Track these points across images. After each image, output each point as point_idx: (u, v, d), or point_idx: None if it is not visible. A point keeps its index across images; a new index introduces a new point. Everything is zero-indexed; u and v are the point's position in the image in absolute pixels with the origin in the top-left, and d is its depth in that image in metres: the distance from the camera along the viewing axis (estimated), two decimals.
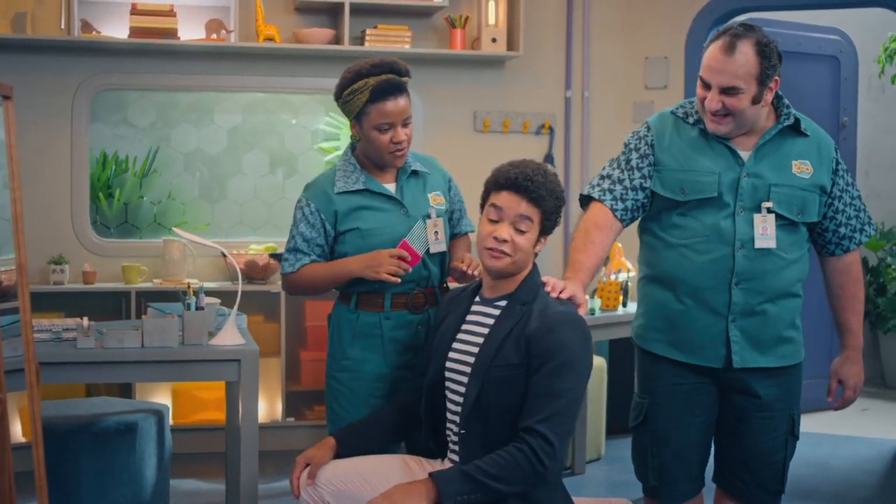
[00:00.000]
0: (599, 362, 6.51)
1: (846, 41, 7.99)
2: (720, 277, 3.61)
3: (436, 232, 3.95)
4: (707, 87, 3.59)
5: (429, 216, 3.95)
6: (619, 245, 6.09)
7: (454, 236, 4.12)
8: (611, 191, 3.77)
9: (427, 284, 3.96)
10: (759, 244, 3.59)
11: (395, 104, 3.83)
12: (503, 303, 3.47)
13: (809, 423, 7.42)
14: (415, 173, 4.03)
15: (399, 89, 3.86)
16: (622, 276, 5.97)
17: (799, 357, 3.73)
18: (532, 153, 7.26)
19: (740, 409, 3.71)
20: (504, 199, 3.43)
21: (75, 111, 6.60)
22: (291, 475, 3.58)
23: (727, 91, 3.54)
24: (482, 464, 3.23)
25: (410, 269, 3.83)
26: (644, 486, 3.86)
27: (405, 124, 3.87)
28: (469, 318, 3.56)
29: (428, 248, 3.91)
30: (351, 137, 3.98)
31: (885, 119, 9.20)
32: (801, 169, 3.64)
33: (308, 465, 3.57)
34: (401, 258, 3.81)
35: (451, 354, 3.53)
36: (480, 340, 3.46)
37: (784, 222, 3.63)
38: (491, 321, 3.47)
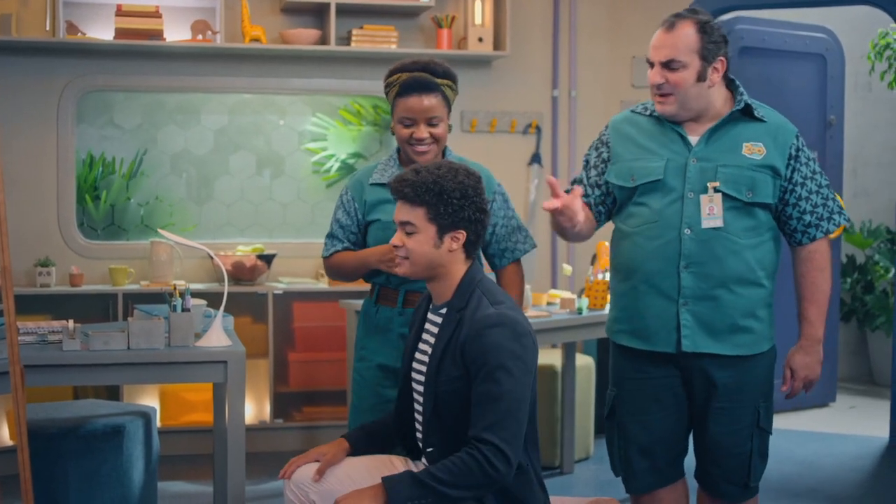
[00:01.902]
0: (587, 361, 6.52)
1: (833, 39, 8.00)
2: (669, 261, 3.65)
3: None
4: (653, 67, 3.69)
5: None
6: (606, 244, 6.08)
7: (496, 265, 4.17)
8: None
9: None
10: (705, 224, 3.62)
11: (418, 101, 3.92)
12: (444, 311, 3.44)
13: (796, 422, 7.45)
14: None
15: (427, 87, 3.93)
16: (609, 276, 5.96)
17: (759, 348, 3.71)
18: (519, 153, 7.26)
19: (700, 399, 3.74)
20: (396, 208, 3.45)
21: (61, 113, 6.58)
22: (296, 458, 3.59)
23: (668, 65, 3.63)
24: (434, 469, 3.20)
25: None
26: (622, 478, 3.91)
27: (431, 123, 3.94)
28: (426, 326, 3.54)
29: None
30: (391, 130, 4.07)
31: (872, 117, 9.22)
32: (753, 150, 3.67)
33: (317, 460, 3.58)
34: None
35: (415, 364, 3.53)
36: (430, 351, 3.45)
37: (736, 204, 3.64)
38: (436, 330, 3.45)
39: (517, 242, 4.15)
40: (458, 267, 3.43)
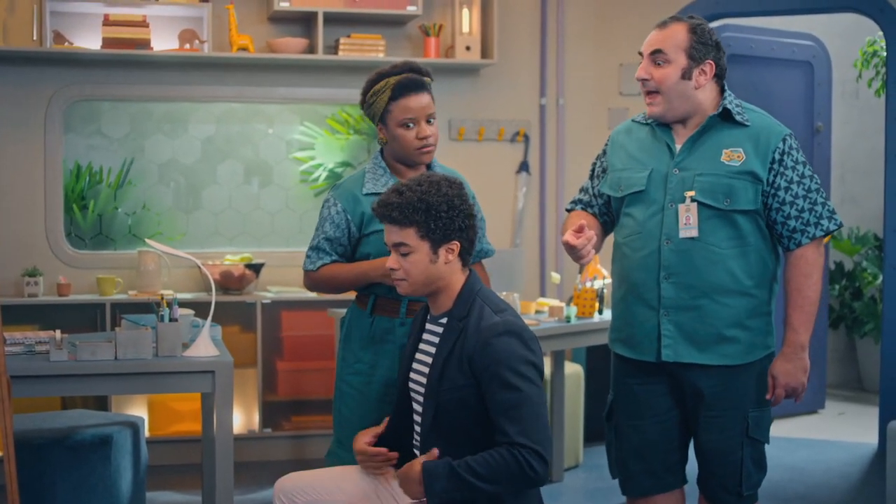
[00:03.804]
0: (576, 370, 6.51)
1: (819, 46, 8.03)
2: (650, 272, 3.68)
3: None
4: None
5: None
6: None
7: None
8: (581, 200, 4.01)
9: None
10: (682, 234, 3.64)
11: (416, 100, 3.91)
12: (445, 320, 3.45)
13: (785, 428, 7.45)
14: None
15: (420, 86, 3.94)
16: (598, 284, 5.97)
17: (746, 358, 3.69)
18: (507, 161, 7.27)
19: (690, 408, 3.76)
20: (385, 231, 3.45)
21: (48, 122, 6.57)
22: (362, 442, 3.59)
23: (654, 59, 3.68)
24: (472, 462, 3.21)
25: None
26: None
27: (429, 121, 3.95)
28: (424, 336, 3.54)
29: None
30: (379, 142, 4.02)
31: (859, 124, 9.24)
32: (732, 157, 3.66)
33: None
34: None
35: (412, 375, 3.53)
36: (430, 361, 3.45)
37: (714, 212, 3.64)
38: (437, 340, 3.45)
39: (487, 244, 4.24)
40: (457, 277, 3.44)
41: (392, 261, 3.42)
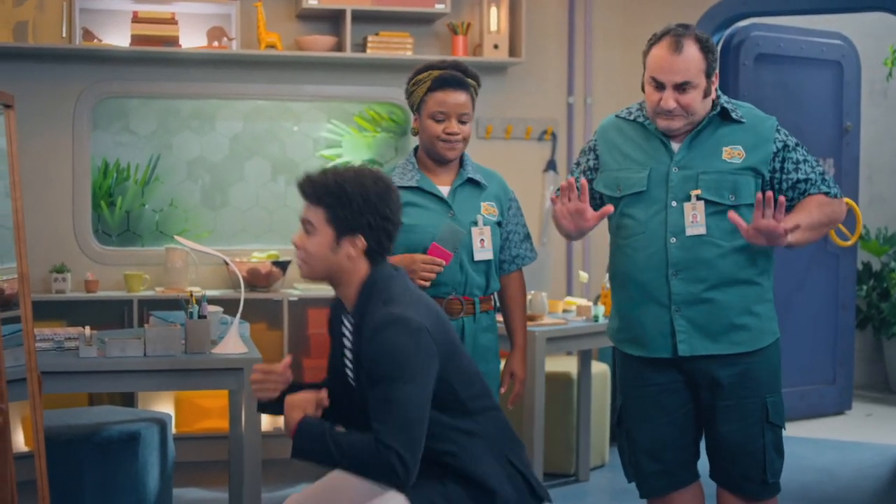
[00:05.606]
0: (603, 369, 6.50)
1: (848, 46, 7.98)
2: (658, 270, 3.70)
3: (482, 240, 4.01)
4: (660, 87, 3.70)
5: (475, 223, 4.02)
6: None
7: (504, 270, 4.19)
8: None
9: (464, 291, 4.01)
10: (689, 232, 3.67)
11: (451, 95, 3.96)
12: (353, 319, 3.34)
13: (813, 429, 7.43)
14: (472, 181, 4.09)
15: (460, 84, 3.98)
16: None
17: (757, 344, 3.72)
18: (534, 159, 7.26)
19: (707, 400, 3.77)
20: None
21: (77, 119, 6.59)
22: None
23: (680, 87, 3.66)
24: (345, 439, 3.15)
25: (442, 269, 3.91)
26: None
27: (462, 121, 3.98)
28: (343, 331, 3.46)
29: (457, 251, 3.96)
30: (412, 131, 4.08)
31: (886, 123, 9.19)
32: (732, 154, 3.71)
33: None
34: (433, 263, 3.89)
35: (347, 371, 3.46)
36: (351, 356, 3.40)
37: (718, 209, 3.67)
38: (352, 338, 3.38)
39: (526, 251, 4.22)
40: (359, 275, 3.31)
41: (296, 236, 3.32)
